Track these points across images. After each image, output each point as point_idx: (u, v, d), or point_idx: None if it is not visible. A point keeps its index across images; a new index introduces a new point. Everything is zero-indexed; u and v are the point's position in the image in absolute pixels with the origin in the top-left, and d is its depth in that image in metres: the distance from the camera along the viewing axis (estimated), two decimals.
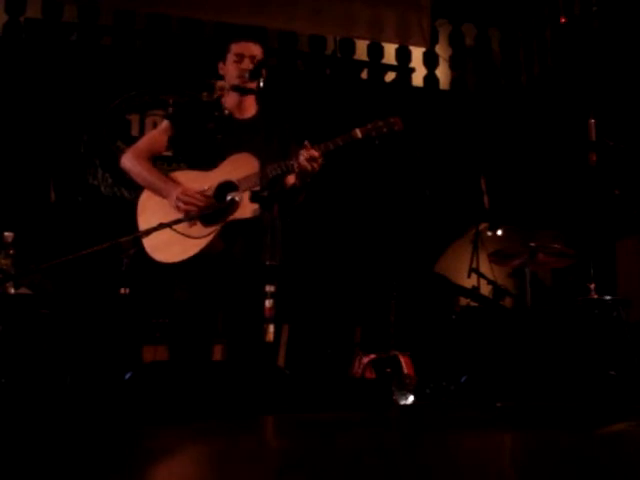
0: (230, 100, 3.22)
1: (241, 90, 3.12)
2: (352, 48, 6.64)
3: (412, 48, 6.74)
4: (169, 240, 2.99)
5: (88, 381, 3.87)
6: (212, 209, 2.99)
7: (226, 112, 3.17)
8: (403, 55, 6.72)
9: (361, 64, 6.71)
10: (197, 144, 3.17)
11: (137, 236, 2.96)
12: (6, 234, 3.92)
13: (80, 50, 5.99)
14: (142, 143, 3.31)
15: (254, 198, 2.81)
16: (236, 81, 3.11)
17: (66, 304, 4.30)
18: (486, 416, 2.47)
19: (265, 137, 3.10)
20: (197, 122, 3.19)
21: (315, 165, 2.96)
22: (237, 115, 3.22)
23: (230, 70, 3.16)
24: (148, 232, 2.86)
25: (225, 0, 6.29)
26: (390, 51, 6.74)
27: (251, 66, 3.07)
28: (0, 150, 5.59)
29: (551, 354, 4.40)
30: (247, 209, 2.93)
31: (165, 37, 6.22)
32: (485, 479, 1.14)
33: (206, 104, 3.26)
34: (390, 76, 6.77)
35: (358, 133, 3.02)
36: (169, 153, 3.37)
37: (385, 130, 3.04)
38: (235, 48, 3.16)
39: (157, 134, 3.29)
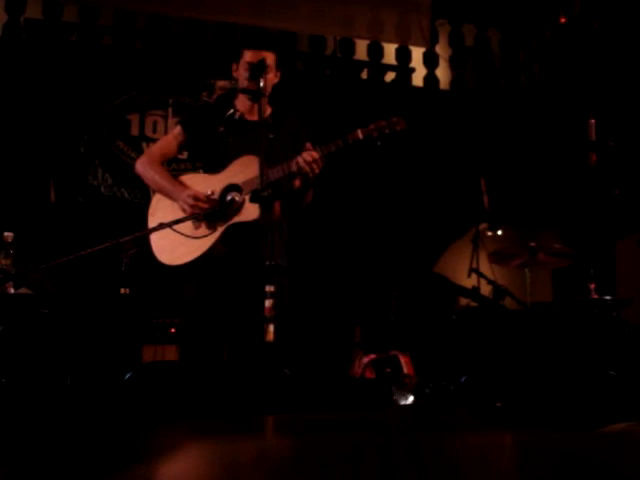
0: (241, 103, 3.25)
1: (248, 92, 3.14)
2: (352, 48, 6.64)
3: (412, 48, 6.74)
4: (175, 243, 3.03)
5: (88, 381, 3.87)
6: (212, 209, 3.00)
7: (237, 115, 3.19)
8: (403, 55, 6.72)
9: (361, 64, 6.71)
10: (209, 147, 3.22)
11: (138, 237, 2.97)
12: (6, 234, 3.91)
13: (80, 50, 5.99)
14: (155, 148, 3.41)
15: (254, 198, 2.82)
16: (246, 87, 3.15)
17: (66, 304, 4.30)
18: (486, 416, 2.47)
19: (276, 138, 3.13)
20: (208, 126, 3.23)
21: (315, 167, 2.97)
22: (249, 117, 3.24)
23: (241, 75, 3.19)
24: (148, 232, 2.86)
25: (225, 0, 6.30)
26: (390, 51, 6.74)
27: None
28: (0, 150, 5.59)
29: (551, 354, 4.40)
30: (251, 211, 2.94)
31: (165, 37, 6.22)
32: (485, 479, 1.14)
33: (216, 107, 3.27)
34: (390, 76, 6.77)
35: (359, 134, 3.02)
36: (183, 156, 3.43)
37: (387, 131, 3.04)
38: (247, 56, 3.18)
39: (169, 139, 3.36)
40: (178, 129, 3.31)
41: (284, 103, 3.21)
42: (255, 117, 3.22)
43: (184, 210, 3.05)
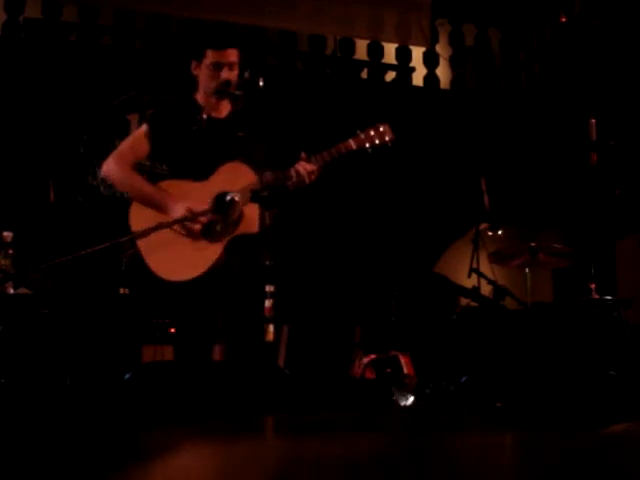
0: (205, 100, 3.16)
1: (222, 94, 3.08)
2: (352, 48, 6.64)
3: (412, 48, 6.74)
4: (177, 259, 2.96)
5: (88, 381, 3.87)
6: (215, 219, 2.96)
7: (204, 116, 3.12)
8: (403, 55, 6.72)
9: (361, 64, 6.71)
10: (180, 148, 3.09)
11: (136, 238, 2.96)
12: (5, 234, 3.91)
13: (80, 50, 5.99)
14: (124, 149, 3.17)
15: (254, 198, 2.81)
16: (216, 87, 3.06)
17: (66, 304, 4.30)
18: (486, 416, 2.47)
19: (244, 135, 3.10)
20: (179, 124, 3.11)
21: (313, 177, 2.99)
22: (215, 115, 3.16)
23: (207, 75, 3.10)
24: (148, 232, 2.85)
25: (225, 0, 6.30)
26: (390, 51, 6.74)
27: (229, 74, 3.05)
28: (0, 150, 5.59)
29: (551, 354, 4.40)
30: (251, 223, 2.93)
31: (165, 37, 6.22)
32: (485, 479, 1.14)
33: (185, 104, 3.18)
34: (390, 76, 6.77)
35: (352, 144, 3.05)
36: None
37: (377, 142, 3.07)
38: (212, 56, 3.07)
39: (138, 139, 3.16)
40: (146, 127, 3.14)
41: (250, 100, 3.14)
42: (221, 115, 3.17)
43: (183, 226, 2.94)
